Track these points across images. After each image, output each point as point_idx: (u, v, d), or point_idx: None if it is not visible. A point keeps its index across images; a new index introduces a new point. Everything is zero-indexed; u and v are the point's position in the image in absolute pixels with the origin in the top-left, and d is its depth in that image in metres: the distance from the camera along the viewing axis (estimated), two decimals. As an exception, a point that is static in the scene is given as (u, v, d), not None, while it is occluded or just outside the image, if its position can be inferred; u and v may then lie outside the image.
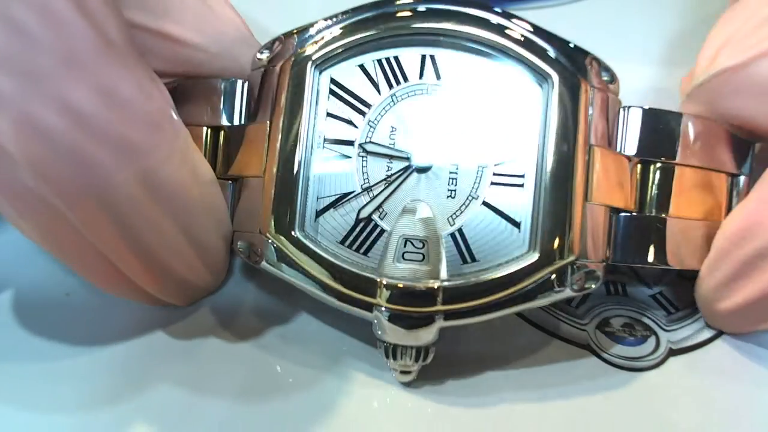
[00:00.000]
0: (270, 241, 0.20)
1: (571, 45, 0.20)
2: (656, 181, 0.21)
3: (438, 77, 0.21)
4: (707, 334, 0.22)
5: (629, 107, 0.21)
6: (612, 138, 0.21)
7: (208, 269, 0.22)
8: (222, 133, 0.22)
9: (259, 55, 0.22)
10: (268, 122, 0.21)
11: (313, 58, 0.21)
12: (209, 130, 0.22)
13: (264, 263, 0.21)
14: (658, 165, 0.21)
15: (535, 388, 0.21)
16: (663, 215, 0.21)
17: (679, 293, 0.24)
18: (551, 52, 0.20)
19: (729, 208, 0.22)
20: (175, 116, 0.20)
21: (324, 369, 0.21)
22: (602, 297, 0.24)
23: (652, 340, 0.22)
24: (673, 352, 0.22)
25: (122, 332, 0.22)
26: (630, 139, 0.21)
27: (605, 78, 0.21)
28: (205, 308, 0.23)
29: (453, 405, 0.20)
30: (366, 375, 0.21)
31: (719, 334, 0.22)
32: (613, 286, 0.24)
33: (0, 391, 0.21)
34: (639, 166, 0.21)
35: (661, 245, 0.21)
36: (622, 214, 0.21)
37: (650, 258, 0.21)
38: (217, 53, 0.22)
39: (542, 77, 0.20)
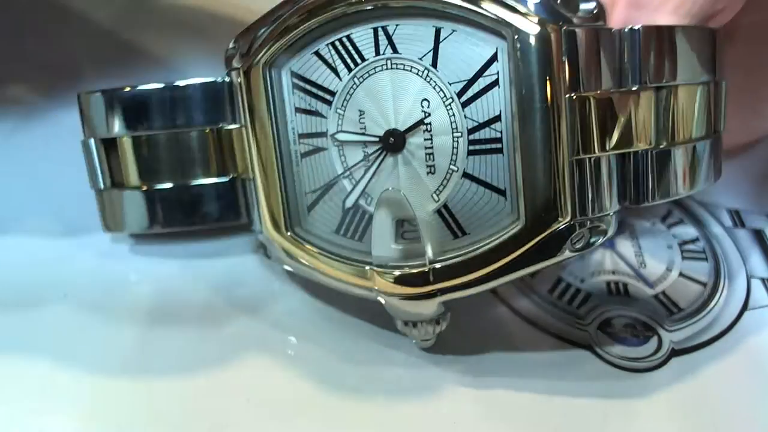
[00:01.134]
0: (270, 240, 0.22)
1: None
2: (666, 106, 0.19)
3: (394, 50, 0.20)
4: (710, 334, 0.22)
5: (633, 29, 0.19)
6: (618, 74, 0.19)
7: None
8: (222, 133, 0.23)
9: (226, 57, 0.22)
10: (244, 127, 0.21)
11: (268, 58, 0.21)
12: (214, 130, 0.22)
13: (274, 258, 0.22)
14: (666, 88, 0.19)
15: (536, 388, 0.21)
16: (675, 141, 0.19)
17: (681, 293, 0.24)
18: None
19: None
20: None
21: (331, 349, 0.22)
22: (604, 297, 0.24)
23: (654, 341, 0.22)
24: (675, 353, 0.22)
25: (122, 332, 0.22)
26: (642, 67, 0.19)
27: (589, 8, 0.18)
28: (209, 304, 0.23)
29: (451, 406, 0.20)
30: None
31: (722, 334, 0.22)
32: (614, 286, 0.24)
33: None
34: (654, 94, 0.19)
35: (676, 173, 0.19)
36: (639, 152, 0.19)
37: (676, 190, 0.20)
38: None
39: (497, 33, 0.18)
